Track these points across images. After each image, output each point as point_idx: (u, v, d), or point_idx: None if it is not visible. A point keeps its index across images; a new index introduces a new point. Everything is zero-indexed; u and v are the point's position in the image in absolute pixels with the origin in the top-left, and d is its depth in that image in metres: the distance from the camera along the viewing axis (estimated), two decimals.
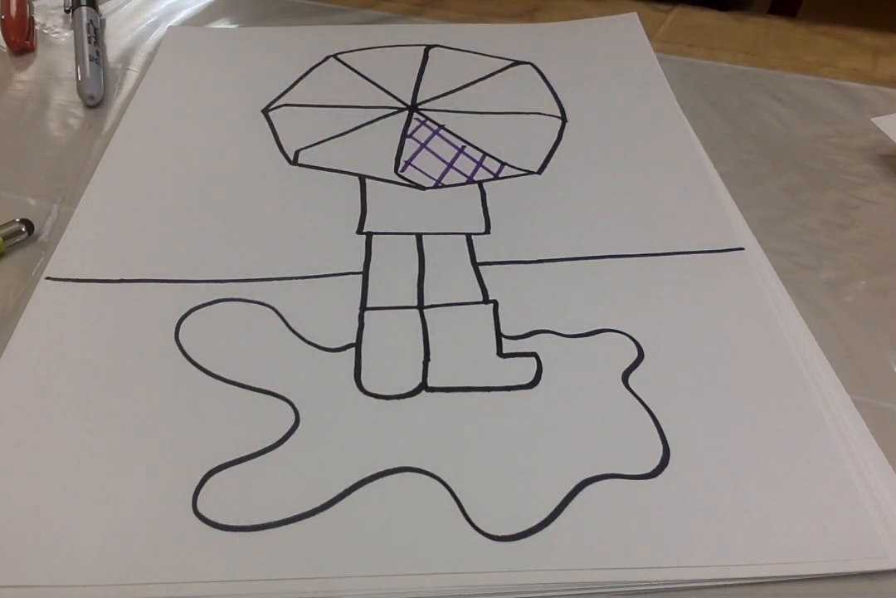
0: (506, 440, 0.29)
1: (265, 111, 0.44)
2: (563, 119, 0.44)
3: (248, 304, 0.34)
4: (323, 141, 0.42)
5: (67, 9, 0.52)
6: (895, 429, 0.29)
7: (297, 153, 0.41)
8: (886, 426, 0.29)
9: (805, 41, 0.51)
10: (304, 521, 0.26)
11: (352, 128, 0.43)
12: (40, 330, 0.33)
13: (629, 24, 0.51)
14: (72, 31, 0.50)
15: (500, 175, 0.40)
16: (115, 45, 0.51)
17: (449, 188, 0.39)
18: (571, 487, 0.27)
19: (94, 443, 0.29)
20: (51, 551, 0.26)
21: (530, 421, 0.29)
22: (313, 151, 0.42)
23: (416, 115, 0.44)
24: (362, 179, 0.40)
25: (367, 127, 0.43)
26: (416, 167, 0.40)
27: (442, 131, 0.43)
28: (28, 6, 0.52)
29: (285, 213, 0.38)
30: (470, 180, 0.40)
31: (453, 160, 0.41)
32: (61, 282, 0.35)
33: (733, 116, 0.45)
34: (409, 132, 0.43)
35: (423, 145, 0.42)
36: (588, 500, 0.27)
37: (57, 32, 0.52)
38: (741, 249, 0.36)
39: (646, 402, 0.30)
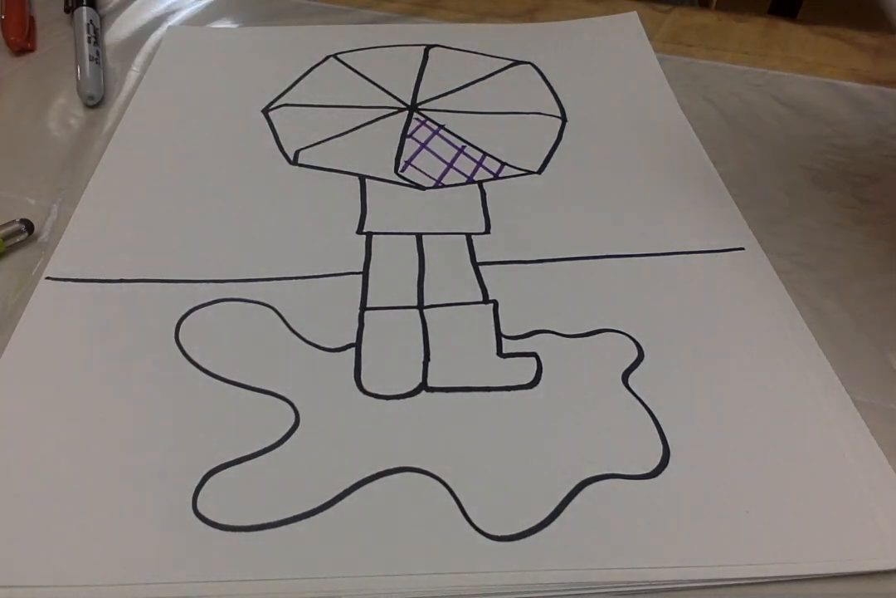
0: (506, 440, 0.29)
1: (265, 111, 0.44)
2: (563, 119, 0.44)
3: (248, 304, 0.34)
4: (323, 141, 0.42)
5: (67, 9, 0.52)
6: (895, 429, 0.29)
7: (297, 153, 0.41)
8: (886, 426, 0.29)
9: (805, 41, 0.51)
10: (304, 521, 0.26)
11: (352, 128, 0.43)
12: (40, 330, 0.33)
13: (629, 24, 0.51)
14: (72, 31, 0.50)
15: (500, 175, 0.40)
16: (115, 45, 0.51)
17: (449, 188, 0.39)
18: (571, 487, 0.27)
19: (94, 443, 0.29)
20: (51, 551, 0.26)
21: (530, 421, 0.29)
22: (313, 151, 0.42)
23: (416, 115, 0.44)
24: (362, 179, 0.40)
25: (367, 127, 0.43)
26: (416, 167, 0.40)
27: (442, 131, 0.43)
28: (28, 6, 0.52)
29: (285, 213, 0.38)
30: (470, 180, 0.40)
31: (453, 160, 0.41)
32: (61, 282, 0.35)
33: (733, 116, 0.45)
34: (409, 132, 0.43)
35: (423, 145, 0.42)
36: (588, 500, 0.27)
37: (57, 32, 0.52)
38: (741, 249, 0.36)
39: (646, 402, 0.30)
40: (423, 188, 0.39)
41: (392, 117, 0.44)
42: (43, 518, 0.26)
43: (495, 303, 0.34)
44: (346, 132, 0.43)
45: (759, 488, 0.27)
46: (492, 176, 0.40)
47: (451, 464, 0.28)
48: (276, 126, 0.43)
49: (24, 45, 0.49)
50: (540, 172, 0.40)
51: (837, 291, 0.35)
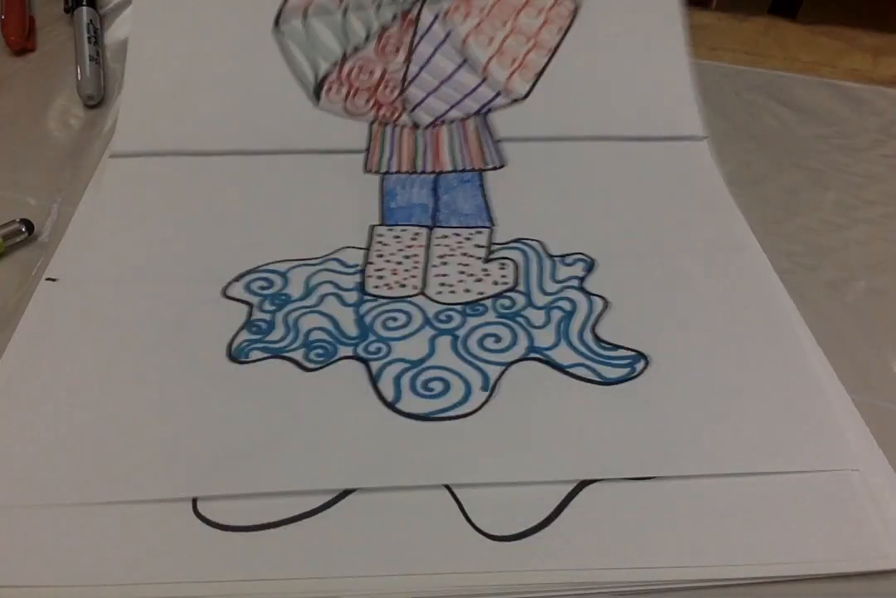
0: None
1: None
2: None
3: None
4: None
5: (67, 9, 0.52)
6: (895, 429, 0.29)
7: None
8: (886, 426, 0.29)
9: (805, 41, 0.51)
10: (304, 521, 0.26)
11: None
12: (40, 330, 0.33)
13: None
14: (72, 31, 0.50)
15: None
16: (115, 45, 0.51)
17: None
18: (571, 487, 0.27)
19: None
20: (51, 551, 0.26)
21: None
22: None
23: None
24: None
25: None
26: None
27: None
28: (28, 6, 0.52)
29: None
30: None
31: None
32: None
33: (733, 116, 0.45)
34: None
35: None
36: (587, 500, 0.27)
37: (57, 32, 0.52)
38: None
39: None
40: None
41: None
42: (43, 518, 0.26)
43: None
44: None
45: (759, 489, 0.27)
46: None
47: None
48: None
49: (24, 45, 0.49)
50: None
51: (837, 291, 0.35)
